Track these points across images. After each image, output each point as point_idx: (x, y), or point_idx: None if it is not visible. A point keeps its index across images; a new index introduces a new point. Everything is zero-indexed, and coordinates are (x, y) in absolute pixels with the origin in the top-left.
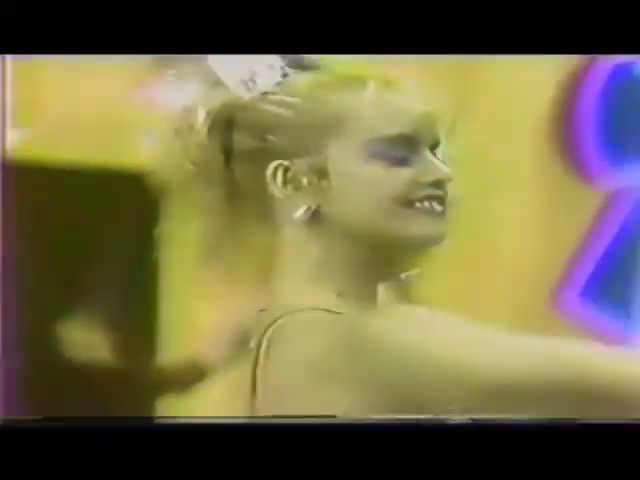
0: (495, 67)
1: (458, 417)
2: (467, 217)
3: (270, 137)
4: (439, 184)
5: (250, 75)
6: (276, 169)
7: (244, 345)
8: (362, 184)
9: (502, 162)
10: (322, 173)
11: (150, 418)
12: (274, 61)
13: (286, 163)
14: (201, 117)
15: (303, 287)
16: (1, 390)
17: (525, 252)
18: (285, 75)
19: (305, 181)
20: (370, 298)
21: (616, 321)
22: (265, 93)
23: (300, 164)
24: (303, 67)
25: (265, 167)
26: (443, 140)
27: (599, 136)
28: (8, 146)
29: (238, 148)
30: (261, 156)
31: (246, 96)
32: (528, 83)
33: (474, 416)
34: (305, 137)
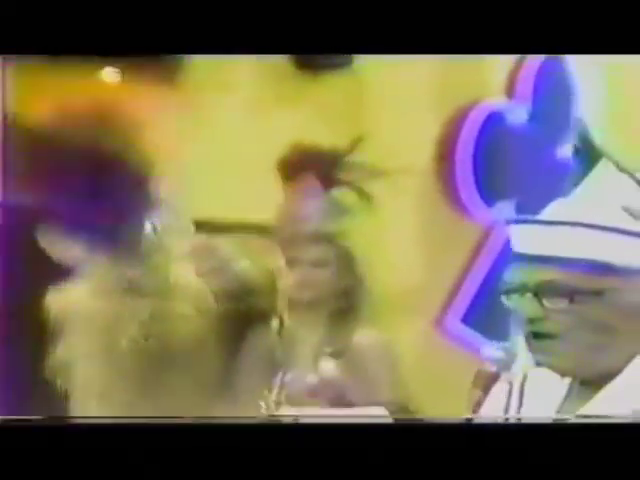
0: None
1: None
2: (361, 249)
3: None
4: None
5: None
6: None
7: None
8: None
9: (392, 200)
10: None
11: (150, 417)
12: None
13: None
14: None
15: None
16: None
17: (411, 281)
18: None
19: None
20: None
21: (495, 346)
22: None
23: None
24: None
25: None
26: None
27: (475, 177)
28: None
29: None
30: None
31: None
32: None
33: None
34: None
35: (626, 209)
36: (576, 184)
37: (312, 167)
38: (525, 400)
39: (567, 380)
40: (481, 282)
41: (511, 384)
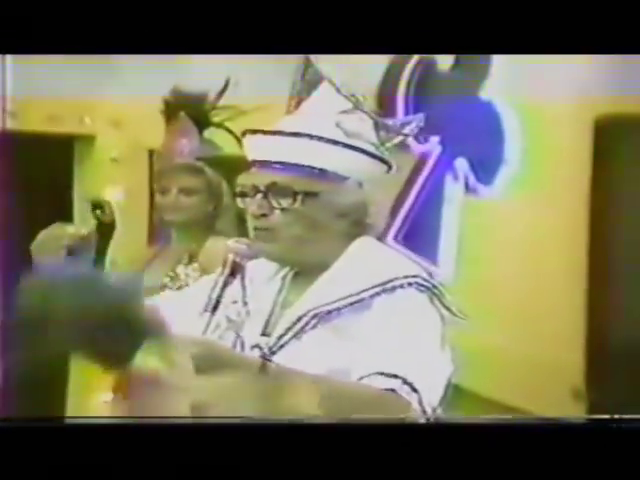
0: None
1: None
2: None
3: None
4: None
5: None
6: None
7: None
8: None
9: None
10: None
11: (150, 417)
12: None
13: None
14: None
15: None
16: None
17: None
18: None
19: None
20: None
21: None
22: None
23: None
24: None
25: None
26: None
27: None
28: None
29: None
30: None
31: None
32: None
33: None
34: None
35: (339, 125)
36: (300, 101)
37: (188, 109)
38: (248, 288)
39: (283, 272)
40: (410, 205)
41: (243, 274)
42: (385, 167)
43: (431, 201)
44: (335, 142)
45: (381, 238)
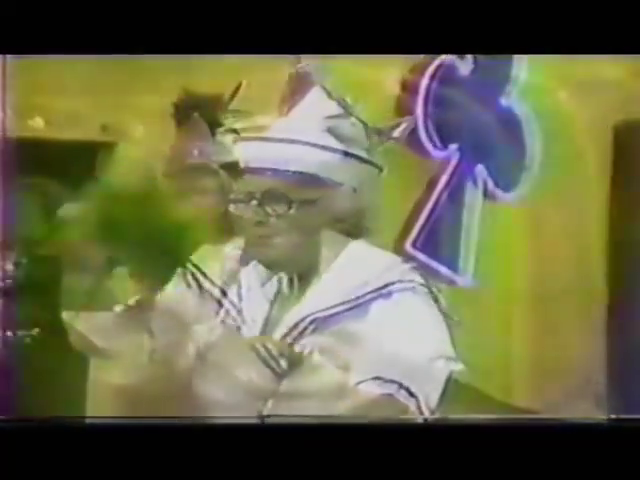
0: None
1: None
2: None
3: None
4: None
5: None
6: None
7: None
8: None
9: None
10: None
11: (151, 418)
12: None
13: None
14: None
15: None
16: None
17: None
18: None
19: None
20: None
21: (443, 266)
22: None
23: None
24: None
25: None
26: None
27: (430, 124)
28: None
29: None
30: None
31: None
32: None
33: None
34: None
35: (331, 131)
36: (291, 106)
37: (199, 110)
38: (245, 293)
39: (279, 277)
40: (429, 212)
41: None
42: (376, 170)
43: (451, 207)
44: (326, 147)
45: (399, 245)
